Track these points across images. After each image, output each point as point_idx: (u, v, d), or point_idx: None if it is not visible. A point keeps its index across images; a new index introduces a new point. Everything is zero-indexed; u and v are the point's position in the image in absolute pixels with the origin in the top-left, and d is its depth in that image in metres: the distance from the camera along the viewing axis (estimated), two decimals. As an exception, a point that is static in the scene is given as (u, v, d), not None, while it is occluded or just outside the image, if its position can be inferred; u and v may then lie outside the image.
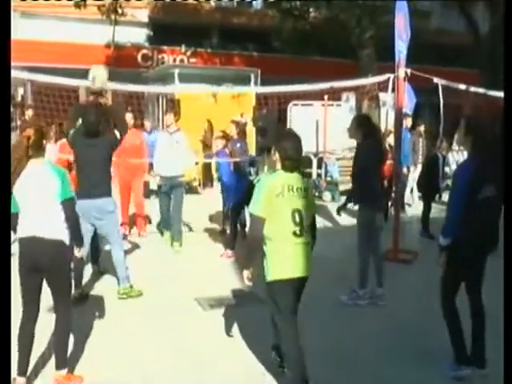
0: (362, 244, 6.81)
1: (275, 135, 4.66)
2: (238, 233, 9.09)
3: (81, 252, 4.95)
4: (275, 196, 4.37)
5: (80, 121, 6.55)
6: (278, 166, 4.56)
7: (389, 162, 11.09)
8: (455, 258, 4.85)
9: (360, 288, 6.71)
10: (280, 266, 4.42)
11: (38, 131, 4.59)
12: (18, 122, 17.73)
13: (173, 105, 13.23)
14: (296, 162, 4.55)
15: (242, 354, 5.27)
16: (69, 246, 4.64)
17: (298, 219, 4.41)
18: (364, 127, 6.83)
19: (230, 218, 9.24)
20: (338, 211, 7.47)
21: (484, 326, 4.91)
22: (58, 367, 4.61)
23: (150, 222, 10.74)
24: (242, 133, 10.92)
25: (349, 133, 7.16)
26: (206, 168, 15.92)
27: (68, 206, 4.61)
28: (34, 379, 4.69)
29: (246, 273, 4.52)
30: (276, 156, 4.57)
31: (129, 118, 9.24)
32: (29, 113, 13.79)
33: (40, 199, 4.48)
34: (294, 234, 4.41)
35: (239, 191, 8.96)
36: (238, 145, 10.12)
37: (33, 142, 4.51)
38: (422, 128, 13.07)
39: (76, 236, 4.75)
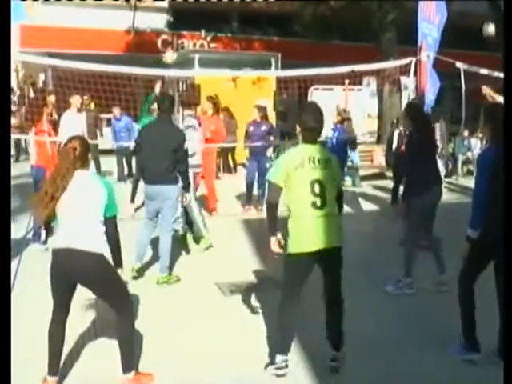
0: (412, 233, 6.65)
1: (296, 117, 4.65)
2: None
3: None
4: (294, 168, 4.40)
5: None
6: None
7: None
8: (479, 247, 4.74)
9: (405, 277, 6.57)
10: (298, 240, 4.41)
11: (83, 143, 4.44)
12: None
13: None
14: (315, 132, 4.58)
15: (262, 338, 5.27)
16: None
17: (317, 190, 4.39)
18: (411, 116, 6.75)
19: None
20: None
21: None
22: (125, 371, 4.40)
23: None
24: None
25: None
26: (225, 153, 15.92)
27: (111, 223, 4.35)
28: (63, 379, 4.51)
29: (272, 239, 4.53)
30: (298, 129, 4.64)
31: None
32: (51, 99, 13.75)
33: (82, 212, 4.22)
34: (314, 205, 4.38)
35: None
36: (264, 127, 10.90)
37: (79, 153, 4.32)
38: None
39: (116, 255, 4.44)
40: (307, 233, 4.40)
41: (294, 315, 4.60)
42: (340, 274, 4.64)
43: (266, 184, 4.71)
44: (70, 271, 4.22)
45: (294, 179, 4.42)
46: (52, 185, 4.24)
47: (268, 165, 10.51)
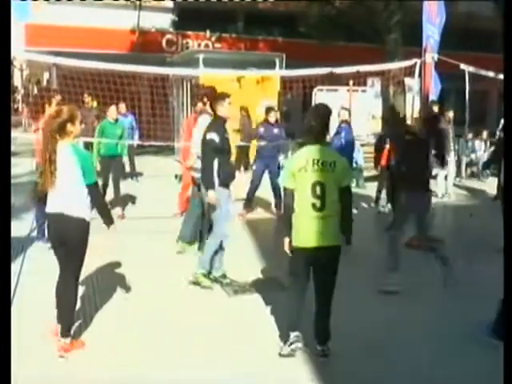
0: None
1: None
2: None
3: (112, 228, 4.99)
4: (297, 170, 4.62)
5: None
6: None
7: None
8: None
9: None
10: (296, 235, 4.70)
11: (63, 112, 4.72)
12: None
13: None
14: (316, 132, 4.70)
15: (265, 339, 5.27)
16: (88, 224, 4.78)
17: (318, 192, 4.58)
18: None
19: None
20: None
21: None
22: (63, 335, 4.68)
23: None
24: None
25: None
26: (243, 152, 15.89)
27: (92, 190, 4.78)
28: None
29: (286, 240, 4.79)
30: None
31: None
32: (57, 98, 13.56)
33: (64, 180, 4.65)
34: (313, 206, 4.59)
35: None
36: (276, 130, 10.34)
37: (57, 123, 4.67)
38: (450, 114, 12.78)
39: (103, 215, 4.94)
40: (305, 231, 4.66)
41: (300, 300, 4.83)
42: (331, 273, 4.77)
43: (282, 189, 4.86)
44: (60, 232, 4.73)
45: (298, 181, 4.64)
46: (45, 152, 4.64)
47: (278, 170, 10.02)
